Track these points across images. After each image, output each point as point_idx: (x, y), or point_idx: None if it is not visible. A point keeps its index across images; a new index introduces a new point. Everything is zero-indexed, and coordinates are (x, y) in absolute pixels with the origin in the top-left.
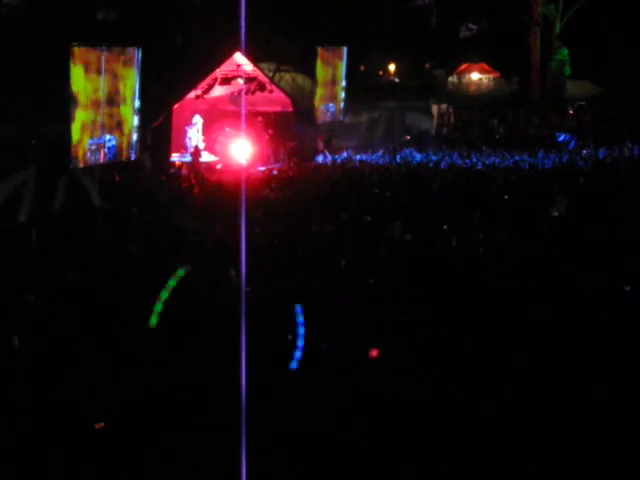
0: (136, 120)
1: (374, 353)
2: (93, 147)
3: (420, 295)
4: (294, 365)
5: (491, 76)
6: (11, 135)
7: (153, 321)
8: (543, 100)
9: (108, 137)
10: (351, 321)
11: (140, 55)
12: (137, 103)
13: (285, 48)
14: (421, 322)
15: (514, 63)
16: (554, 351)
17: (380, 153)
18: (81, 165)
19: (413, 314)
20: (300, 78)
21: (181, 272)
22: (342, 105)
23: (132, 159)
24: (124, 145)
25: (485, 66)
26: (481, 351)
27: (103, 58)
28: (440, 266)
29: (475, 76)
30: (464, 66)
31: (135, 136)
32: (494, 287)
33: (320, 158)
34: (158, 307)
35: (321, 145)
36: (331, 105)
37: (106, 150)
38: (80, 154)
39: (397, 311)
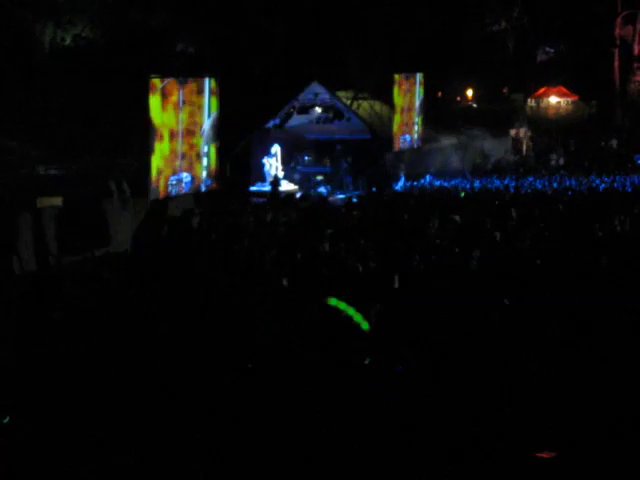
0: (214, 150)
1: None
2: (174, 182)
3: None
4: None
5: (569, 99)
6: (92, 168)
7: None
8: (622, 122)
9: (185, 174)
10: None
11: (218, 85)
12: (215, 133)
13: (362, 76)
14: None
15: (592, 86)
16: None
17: (459, 179)
18: (162, 196)
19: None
20: (378, 105)
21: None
22: (419, 131)
23: (204, 190)
24: (201, 175)
25: (563, 89)
26: None
27: (181, 89)
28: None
29: (553, 100)
30: (542, 90)
31: (213, 166)
32: None
33: (399, 185)
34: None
35: None
36: (408, 132)
37: (184, 184)
38: (162, 185)
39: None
